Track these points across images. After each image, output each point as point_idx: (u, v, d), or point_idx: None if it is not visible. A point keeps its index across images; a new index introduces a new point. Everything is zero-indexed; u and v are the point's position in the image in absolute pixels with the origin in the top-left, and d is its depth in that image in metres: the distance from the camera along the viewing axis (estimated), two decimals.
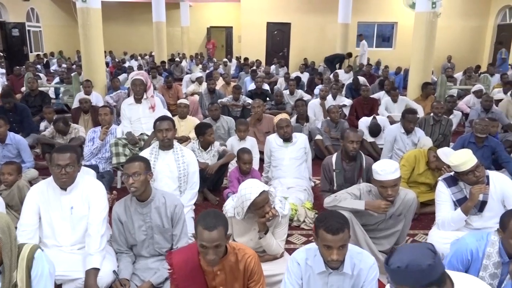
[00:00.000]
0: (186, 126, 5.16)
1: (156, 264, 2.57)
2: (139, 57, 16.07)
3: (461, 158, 2.86)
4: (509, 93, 6.98)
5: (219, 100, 6.62)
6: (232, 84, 8.31)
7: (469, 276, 1.78)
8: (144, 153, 3.33)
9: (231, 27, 19.87)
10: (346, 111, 7.07)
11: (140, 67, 12.53)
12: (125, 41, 19.32)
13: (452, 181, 3.01)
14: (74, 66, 12.44)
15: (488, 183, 2.91)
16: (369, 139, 5.66)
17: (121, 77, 9.55)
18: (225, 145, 4.60)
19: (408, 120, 4.61)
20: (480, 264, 2.16)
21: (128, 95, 6.26)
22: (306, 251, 2.11)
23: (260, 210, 2.45)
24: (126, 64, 13.43)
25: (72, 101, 7.30)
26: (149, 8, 14.04)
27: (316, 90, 8.30)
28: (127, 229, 2.58)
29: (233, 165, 4.29)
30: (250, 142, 4.55)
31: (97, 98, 6.90)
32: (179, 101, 5.42)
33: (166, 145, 3.29)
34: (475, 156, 2.92)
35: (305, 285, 2.11)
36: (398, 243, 2.96)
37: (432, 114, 5.23)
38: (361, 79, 9.14)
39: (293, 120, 5.79)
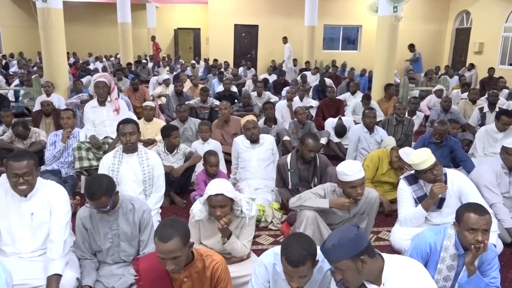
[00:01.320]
0: (152, 128, 5.09)
1: (121, 270, 2.52)
2: (104, 59, 15.69)
3: (421, 157, 2.97)
4: (465, 94, 7.31)
5: (186, 102, 6.58)
6: (200, 86, 8.26)
7: (400, 256, 1.96)
8: (108, 157, 3.26)
9: (199, 29, 19.75)
10: (313, 112, 7.18)
11: (105, 69, 12.24)
12: (90, 42, 18.83)
13: (412, 179, 3.13)
14: (35, 68, 11.99)
15: (446, 181, 3.04)
16: (335, 139, 5.77)
17: (85, 79, 9.30)
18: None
19: (368, 116, 4.79)
20: (438, 256, 2.26)
21: (91, 98, 6.10)
22: (274, 256, 2.10)
23: (212, 209, 2.44)
24: (91, 66, 13.09)
25: (32, 104, 7.05)
26: (114, 8, 13.75)
27: (283, 92, 8.39)
28: (92, 236, 2.51)
29: (200, 168, 4.26)
30: (214, 145, 4.55)
31: (59, 101, 6.69)
32: (144, 104, 5.35)
33: (130, 149, 3.22)
34: (434, 155, 3.04)
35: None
36: None
37: (394, 115, 5.40)
38: (328, 81, 9.32)
39: (261, 122, 5.83)
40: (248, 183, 4.01)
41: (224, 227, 2.47)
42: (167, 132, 4.16)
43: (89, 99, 5.43)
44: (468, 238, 2.13)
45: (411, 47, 12.83)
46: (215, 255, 2.14)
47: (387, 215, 3.84)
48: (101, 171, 3.23)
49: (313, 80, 10.67)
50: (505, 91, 8.26)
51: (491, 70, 10.91)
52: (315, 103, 7.35)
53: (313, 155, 3.60)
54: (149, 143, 4.86)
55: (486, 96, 6.44)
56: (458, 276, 2.25)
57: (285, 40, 13.84)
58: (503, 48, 13.39)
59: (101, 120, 4.30)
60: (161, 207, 3.47)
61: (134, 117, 5.39)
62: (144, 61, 14.87)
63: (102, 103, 4.32)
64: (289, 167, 3.69)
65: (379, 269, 1.84)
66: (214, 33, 15.73)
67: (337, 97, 7.35)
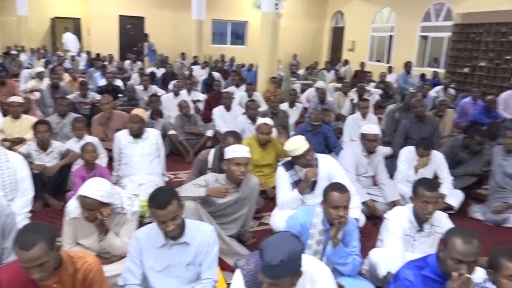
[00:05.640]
0: (21, 126, 4.60)
1: None
2: None
3: (295, 144, 3.22)
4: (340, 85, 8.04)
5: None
6: (80, 79, 7.71)
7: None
8: None
9: (79, 18, 18.27)
10: (201, 105, 7.22)
11: None
12: None
13: (289, 165, 3.36)
14: None
15: (318, 165, 3.33)
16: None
17: None
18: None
19: (251, 107, 5.05)
20: (308, 233, 2.47)
21: None
22: (148, 228, 2.18)
23: (82, 208, 2.37)
24: None
25: None
26: None
27: (170, 86, 8.28)
28: None
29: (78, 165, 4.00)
30: (91, 141, 4.32)
31: None
32: (10, 99, 4.81)
33: None
34: (311, 142, 3.32)
35: (147, 259, 2.13)
36: (245, 226, 3.18)
37: (270, 108, 5.72)
38: (216, 75, 9.45)
39: (147, 115, 5.67)
40: (132, 179, 3.88)
41: (99, 222, 2.38)
42: (33, 126, 3.88)
43: None
44: (332, 214, 2.38)
45: (145, 36, 13.84)
46: (88, 256, 2.02)
47: (271, 199, 4.01)
48: None
49: (202, 74, 10.70)
50: (372, 84, 9.33)
51: (362, 63, 12.21)
52: (202, 96, 7.41)
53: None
54: (17, 142, 4.40)
55: (356, 89, 7.17)
56: (325, 249, 2.49)
57: (65, 30, 14.04)
58: (371, 46, 15.00)
59: None
60: (32, 211, 3.18)
61: None
62: (14, 52, 13.33)
63: None
64: (210, 166, 3.54)
65: None
66: (97, 23, 14.77)
67: (224, 90, 7.49)
